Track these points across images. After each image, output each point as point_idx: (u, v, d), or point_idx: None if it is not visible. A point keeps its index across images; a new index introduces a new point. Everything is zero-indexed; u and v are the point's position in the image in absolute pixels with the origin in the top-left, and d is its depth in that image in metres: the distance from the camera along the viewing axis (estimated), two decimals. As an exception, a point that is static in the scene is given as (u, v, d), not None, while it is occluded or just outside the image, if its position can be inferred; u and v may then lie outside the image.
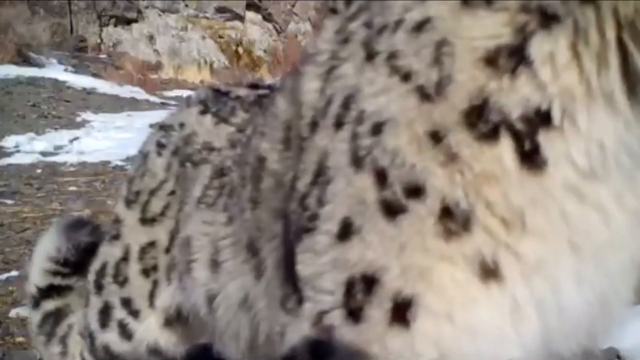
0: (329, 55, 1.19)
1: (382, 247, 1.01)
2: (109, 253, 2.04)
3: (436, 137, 0.98)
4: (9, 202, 5.51)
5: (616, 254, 1.03)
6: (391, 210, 1.01)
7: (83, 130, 9.00)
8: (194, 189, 1.82)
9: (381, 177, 1.02)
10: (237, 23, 18.53)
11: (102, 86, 12.21)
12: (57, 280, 2.29)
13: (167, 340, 1.97)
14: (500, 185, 0.96)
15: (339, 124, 1.11)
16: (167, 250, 1.91)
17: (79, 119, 9.64)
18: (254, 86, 2.13)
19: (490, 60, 0.95)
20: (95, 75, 13.63)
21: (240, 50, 18.08)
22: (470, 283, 0.97)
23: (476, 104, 0.95)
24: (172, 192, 1.93)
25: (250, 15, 18.59)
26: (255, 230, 1.43)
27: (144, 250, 1.95)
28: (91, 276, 2.08)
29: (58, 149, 8.04)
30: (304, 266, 1.13)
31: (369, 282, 1.02)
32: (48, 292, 2.30)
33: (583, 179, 0.96)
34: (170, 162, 1.97)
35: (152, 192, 1.97)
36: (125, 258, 1.98)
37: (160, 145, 2.02)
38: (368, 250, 1.02)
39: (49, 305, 2.30)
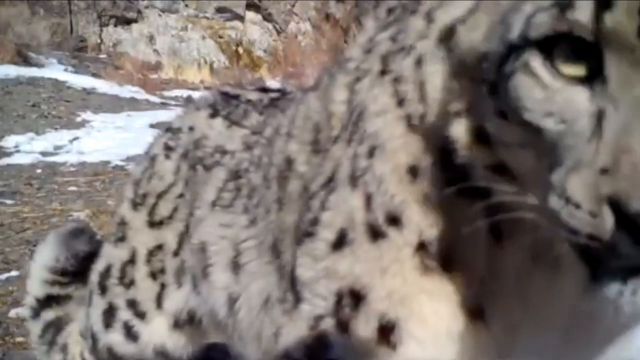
0: (355, 65, 1.22)
1: (368, 265, 1.04)
2: (113, 255, 2.03)
3: (414, 172, 1.01)
4: (9, 202, 5.50)
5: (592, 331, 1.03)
6: (374, 233, 1.04)
7: (83, 130, 8.98)
8: (206, 192, 1.81)
9: (368, 201, 1.06)
10: (237, 23, 18.52)
11: (102, 86, 12.19)
12: (56, 290, 2.29)
13: (176, 342, 1.97)
14: (472, 247, 0.98)
15: (349, 140, 1.15)
16: (176, 253, 1.91)
17: (79, 119, 9.63)
18: (263, 89, 2.13)
19: (448, 113, 0.98)
20: (95, 75, 13.61)
21: (240, 50, 18.07)
22: (455, 317, 0.99)
23: (447, 150, 0.97)
24: (181, 195, 1.93)
25: (250, 15, 18.58)
26: (279, 231, 1.44)
27: (151, 253, 1.94)
28: (94, 276, 2.08)
29: (58, 149, 8.03)
30: (304, 269, 1.15)
31: (356, 298, 1.05)
32: (47, 302, 2.30)
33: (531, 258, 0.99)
34: (179, 165, 1.96)
35: (160, 195, 1.96)
36: (131, 260, 1.97)
37: (168, 148, 2.01)
38: (357, 264, 1.05)
39: (49, 315, 2.30)
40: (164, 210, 1.95)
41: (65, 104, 10.32)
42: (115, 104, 10.83)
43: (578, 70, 0.80)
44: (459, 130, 0.93)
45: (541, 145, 0.83)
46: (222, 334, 1.89)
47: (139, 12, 17.78)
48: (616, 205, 0.72)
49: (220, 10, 18.34)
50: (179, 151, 1.98)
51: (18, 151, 7.85)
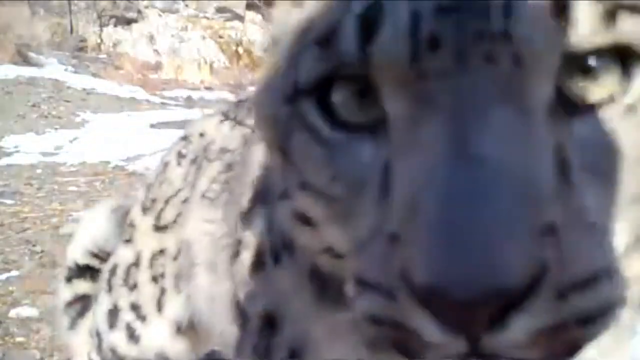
0: None
1: (276, 290, 0.99)
2: (121, 254, 2.03)
3: (286, 194, 0.86)
4: (9, 202, 5.50)
5: None
6: (276, 258, 0.97)
7: (83, 130, 8.98)
8: (200, 182, 1.80)
9: (270, 223, 0.99)
10: (237, 23, 18.51)
11: (102, 86, 12.20)
12: (96, 263, 2.26)
13: (177, 348, 1.95)
14: None
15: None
16: (175, 258, 1.90)
17: (78, 119, 9.63)
18: None
19: None
20: (95, 75, 13.61)
21: (240, 50, 18.06)
22: (355, 350, 0.87)
23: None
24: (186, 200, 1.92)
25: (250, 15, 18.57)
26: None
27: (154, 257, 1.94)
28: (104, 274, 2.07)
29: (58, 149, 8.03)
30: (240, 292, 1.13)
31: (271, 322, 1.01)
32: (84, 271, 2.27)
33: None
34: (188, 170, 1.95)
35: (167, 201, 1.95)
36: (136, 263, 1.97)
37: (181, 156, 2.01)
38: (269, 288, 1.01)
39: (81, 286, 2.26)
40: (169, 215, 1.94)
41: (65, 104, 10.31)
42: (115, 104, 10.83)
43: (360, 116, 0.65)
44: (285, 214, 0.81)
45: (342, 220, 0.68)
46: (210, 339, 1.88)
47: (139, 12, 17.78)
48: (409, 280, 0.56)
49: (220, 10, 18.34)
50: (189, 157, 1.98)
51: (18, 151, 7.85)
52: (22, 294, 3.59)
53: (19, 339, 3.15)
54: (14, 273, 3.90)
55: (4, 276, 3.87)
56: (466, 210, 0.54)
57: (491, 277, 0.52)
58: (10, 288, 3.70)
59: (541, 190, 0.56)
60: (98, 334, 2.05)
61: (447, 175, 0.56)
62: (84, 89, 11.58)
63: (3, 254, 4.21)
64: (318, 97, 0.67)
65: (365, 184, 0.64)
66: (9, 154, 7.67)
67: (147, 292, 1.95)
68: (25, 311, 3.38)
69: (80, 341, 2.20)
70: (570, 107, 0.60)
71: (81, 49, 16.38)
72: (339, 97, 0.66)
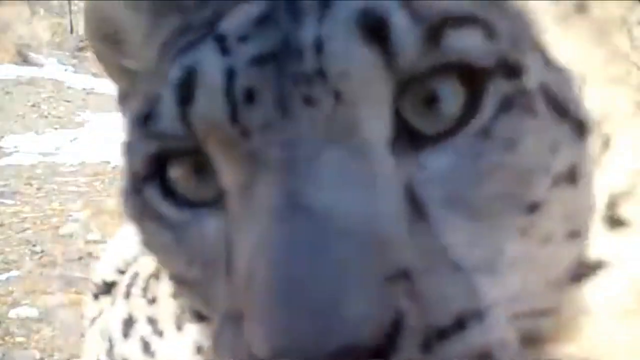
0: None
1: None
2: (142, 263, 2.02)
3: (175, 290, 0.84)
4: (9, 202, 5.50)
5: None
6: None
7: (83, 130, 8.99)
8: None
9: None
10: (237, 23, 18.56)
11: (102, 86, 12.18)
12: (121, 279, 2.26)
13: None
14: None
15: None
16: None
17: (78, 119, 9.63)
18: None
19: None
20: (95, 75, 13.62)
21: (240, 50, 18.09)
22: None
23: None
24: None
25: (250, 15, 18.61)
26: None
27: None
28: (125, 278, 2.06)
29: (58, 149, 8.04)
30: None
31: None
32: (110, 287, 2.27)
33: None
34: None
35: None
36: (156, 275, 1.96)
37: None
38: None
39: (106, 302, 2.27)
40: None
41: (65, 104, 10.32)
42: (115, 104, 10.83)
43: (200, 192, 0.61)
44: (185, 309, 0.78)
45: (207, 305, 0.64)
46: None
47: (139, 12, 17.81)
48: (254, 356, 0.50)
49: (220, 10, 18.37)
50: None
51: (18, 151, 7.85)
52: (22, 294, 3.60)
53: (19, 339, 3.15)
54: (14, 273, 3.91)
55: (4, 276, 3.87)
56: (299, 267, 0.48)
57: (336, 334, 0.46)
58: (10, 288, 3.70)
59: (385, 233, 0.51)
60: (110, 339, 2.04)
61: (277, 233, 0.51)
62: (84, 89, 11.60)
63: (3, 254, 4.22)
64: (160, 180, 0.63)
65: (215, 263, 0.59)
66: (9, 154, 7.67)
67: (165, 307, 1.93)
68: (25, 311, 3.38)
69: (90, 339, 2.20)
70: (418, 138, 0.55)
71: (81, 49, 16.38)
72: (175, 174, 0.62)
